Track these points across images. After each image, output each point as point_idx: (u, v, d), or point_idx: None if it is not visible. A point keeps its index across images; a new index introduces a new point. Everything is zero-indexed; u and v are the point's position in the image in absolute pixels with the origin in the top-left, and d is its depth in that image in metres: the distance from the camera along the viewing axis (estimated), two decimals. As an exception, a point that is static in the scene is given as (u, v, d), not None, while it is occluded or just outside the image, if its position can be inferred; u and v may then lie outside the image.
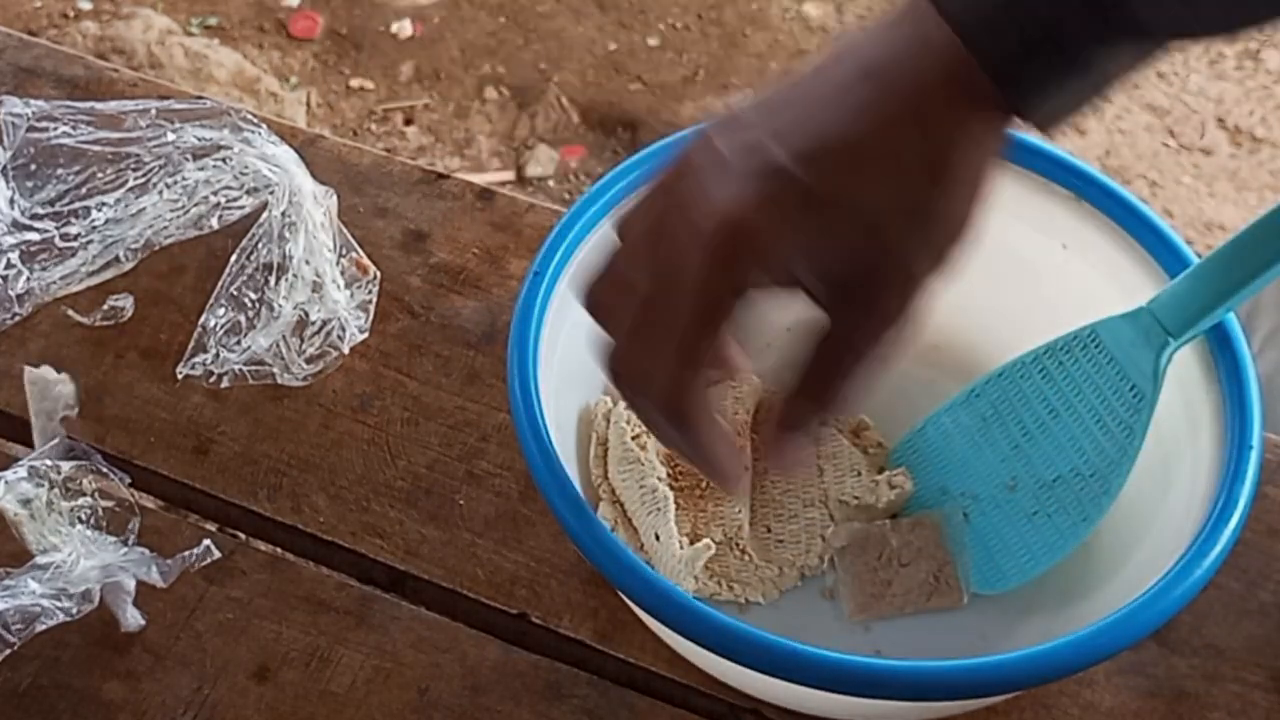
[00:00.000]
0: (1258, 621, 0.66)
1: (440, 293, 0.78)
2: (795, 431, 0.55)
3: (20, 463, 0.67)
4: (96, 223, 0.78)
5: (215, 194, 0.78)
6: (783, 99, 0.51)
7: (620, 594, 0.62)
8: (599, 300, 0.53)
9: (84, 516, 0.67)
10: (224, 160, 0.78)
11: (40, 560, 0.64)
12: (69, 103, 0.81)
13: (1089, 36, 0.48)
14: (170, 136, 0.79)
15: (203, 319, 0.75)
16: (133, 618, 0.65)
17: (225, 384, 0.74)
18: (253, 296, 0.75)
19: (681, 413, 0.52)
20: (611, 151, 2.04)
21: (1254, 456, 0.58)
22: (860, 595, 0.65)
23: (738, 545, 0.66)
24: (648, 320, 0.51)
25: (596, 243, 0.66)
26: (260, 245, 0.75)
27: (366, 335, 0.75)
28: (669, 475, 0.67)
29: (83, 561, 0.64)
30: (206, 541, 0.67)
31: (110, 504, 0.68)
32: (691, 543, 0.64)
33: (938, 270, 0.51)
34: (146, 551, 0.65)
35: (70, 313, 0.76)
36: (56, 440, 0.69)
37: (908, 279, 0.51)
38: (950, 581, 0.65)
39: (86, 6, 2.19)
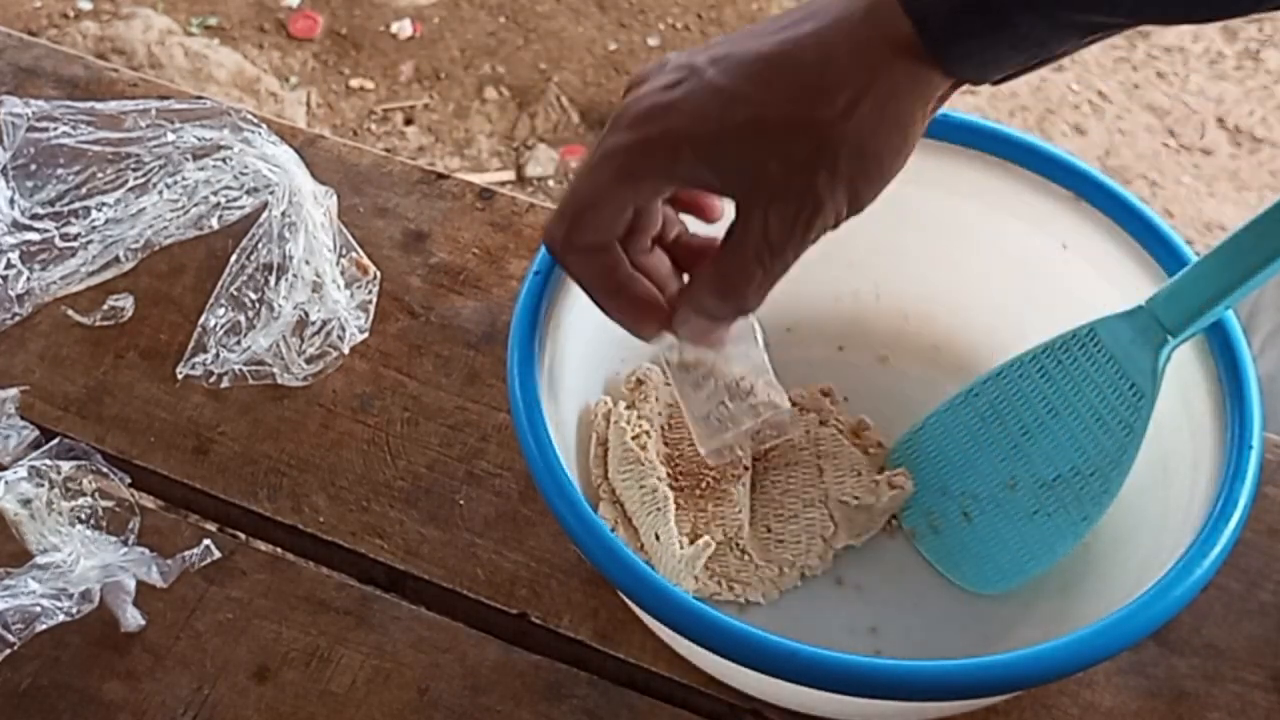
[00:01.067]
0: (1258, 621, 0.66)
1: (440, 293, 0.78)
2: (696, 311, 0.57)
3: (20, 463, 0.67)
4: (96, 223, 0.78)
5: (215, 194, 0.78)
6: (736, 32, 0.55)
7: (620, 594, 0.62)
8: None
9: (84, 516, 0.67)
10: (224, 160, 0.78)
11: (40, 560, 0.64)
12: (69, 103, 0.81)
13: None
14: (170, 136, 0.79)
15: (203, 319, 0.75)
16: (133, 618, 0.65)
17: (225, 384, 0.74)
18: (253, 296, 0.75)
19: (568, 265, 0.57)
20: (611, 151, 2.04)
21: (1254, 456, 0.58)
22: (703, 430, 0.65)
23: (738, 545, 0.66)
24: (573, 185, 0.55)
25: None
26: (260, 245, 0.75)
27: (366, 335, 0.75)
28: (669, 475, 0.67)
29: (83, 561, 0.64)
30: (206, 541, 0.67)
31: (110, 504, 0.68)
32: (691, 543, 0.64)
33: (842, 198, 0.53)
34: (146, 551, 0.65)
35: (70, 313, 0.76)
36: (57, 440, 0.69)
37: (808, 195, 0.53)
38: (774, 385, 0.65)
39: (86, 6, 2.19)
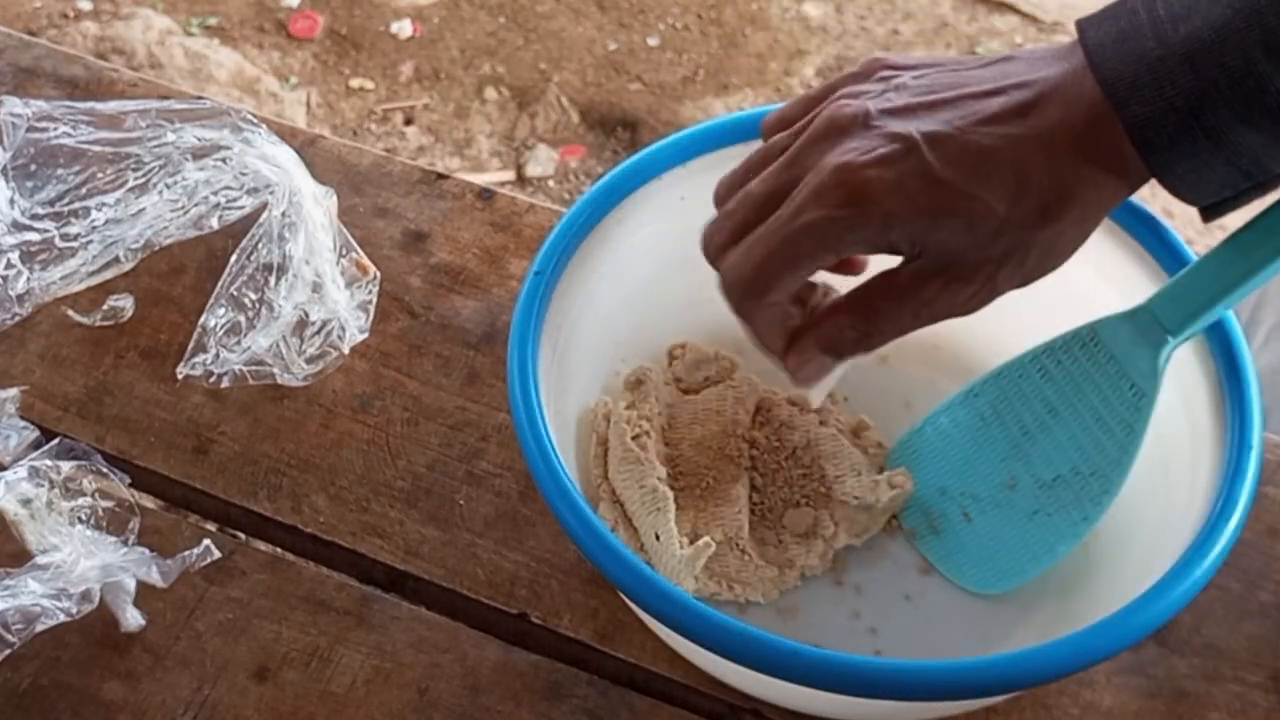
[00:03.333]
0: (1258, 621, 0.66)
1: (440, 293, 0.78)
2: (826, 348, 0.58)
3: (20, 463, 0.68)
4: (96, 223, 0.78)
5: (215, 194, 0.78)
6: (945, 79, 0.54)
7: (620, 594, 0.62)
8: (724, 184, 0.59)
9: (84, 516, 0.67)
10: (224, 160, 0.78)
11: (40, 560, 0.64)
12: (69, 103, 0.81)
13: (1229, 110, 0.49)
14: (170, 136, 0.79)
15: (203, 319, 0.75)
16: (133, 618, 0.65)
17: (225, 384, 0.74)
18: (253, 296, 0.75)
19: (747, 316, 0.57)
20: (611, 151, 2.04)
21: (1254, 456, 0.58)
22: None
23: (738, 545, 0.66)
24: (746, 220, 0.56)
25: (596, 243, 0.66)
26: (260, 245, 0.75)
27: (366, 335, 0.75)
28: (669, 475, 0.67)
29: (83, 561, 0.64)
30: (206, 541, 0.67)
31: (110, 504, 0.68)
32: (691, 543, 0.64)
33: (1015, 286, 0.55)
34: (146, 551, 0.65)
35: (70, 313, 0.76)
36: (57, 440, 0.69)
37: (986, 281, 0.55)
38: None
39: (86, 6, 2.19)
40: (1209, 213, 0.55)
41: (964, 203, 0.52)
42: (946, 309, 0.56)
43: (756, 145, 0.59)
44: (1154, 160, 0.51)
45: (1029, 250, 0.54)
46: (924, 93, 0.54)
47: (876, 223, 0.53)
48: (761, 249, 0.55)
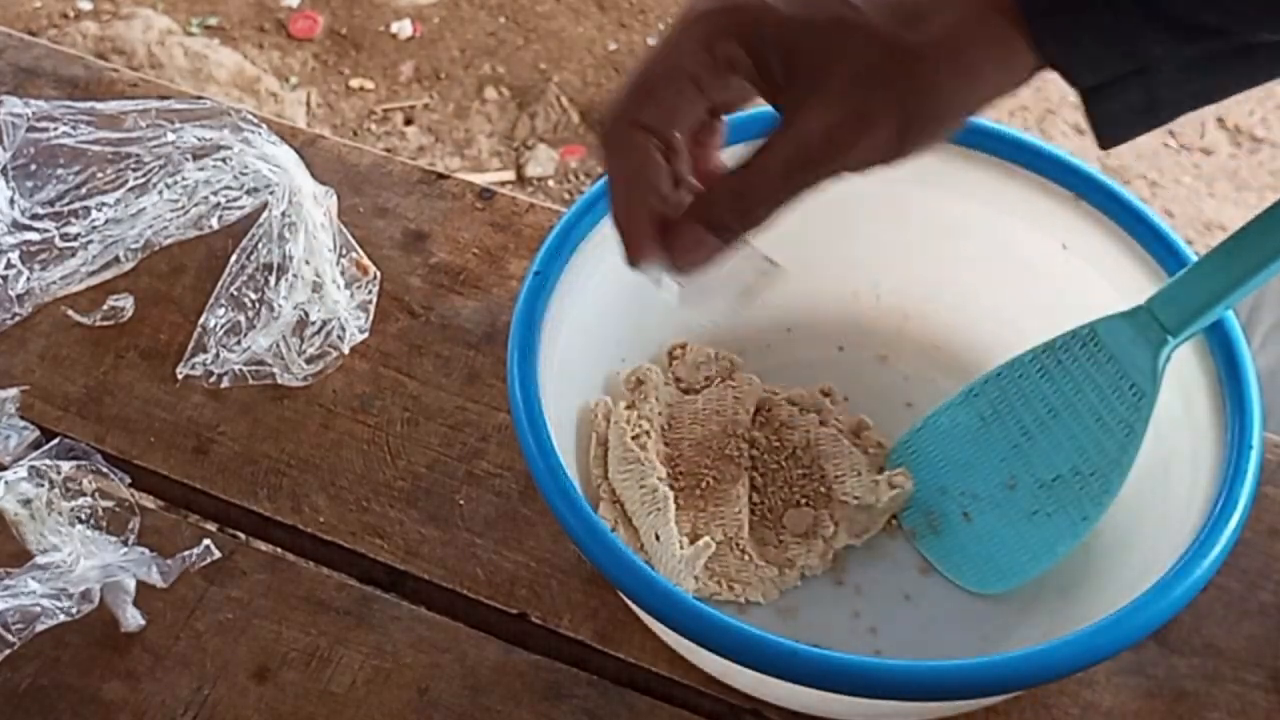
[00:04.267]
0: (1258, 621, 0.66)
1: (440, 293, 0.78)
2: (704, 227, 0.54)
3: (20, 463, 0.68)
4: (96, 223, 0.78)
5: (215, 194, 0.78)
6: None
7: (620, 594, 0.62)
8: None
9: (84, 516, 0.67)
10: (224, 160, 0.78)
11: (40, 560, 0.64)
12: (69, 103, 0.81)
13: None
14: (170, 136, 0.79)
15: (203, 319, 0.75)
16: (133, 618, 0.65)
17: (225, 384, 0.74)
18: (253, 296, 0.75)
19: (611, 147, 0.53)
20: (611, 151, 2.04)
21: (1254, 456, 0.58)
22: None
23: (738, 545, 0.66)
24: (646, 56, 0.53)
25: (596, 243, 0.66)
26: (260, 245, 0.75)
27: (366, 335, 0.75)
28: (669, 475, 0.67)
29: (83, 561, 0.64)
30: (206, 541, 0.67)
31: (110, 504, 0.68)
32: (691, 543, 0.64)
33: (889, 130, 0.51)
34: (146, 551, 0.65)
35: (70, 313, 0.76)
36: (57, 440, 0.69)
37: (860, 117, 0.51)
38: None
39: (86, 6, 2.19)
40: (1096, 115, 0.52)
41: (841, 7, 0.50)
42: (821, 149, 0.51)
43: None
44: (1043, 30, 0.50)
45: (906, 76, 0.50)
46: None
47: (751, 16, 0.51)
48: (641, 63, 0.53)
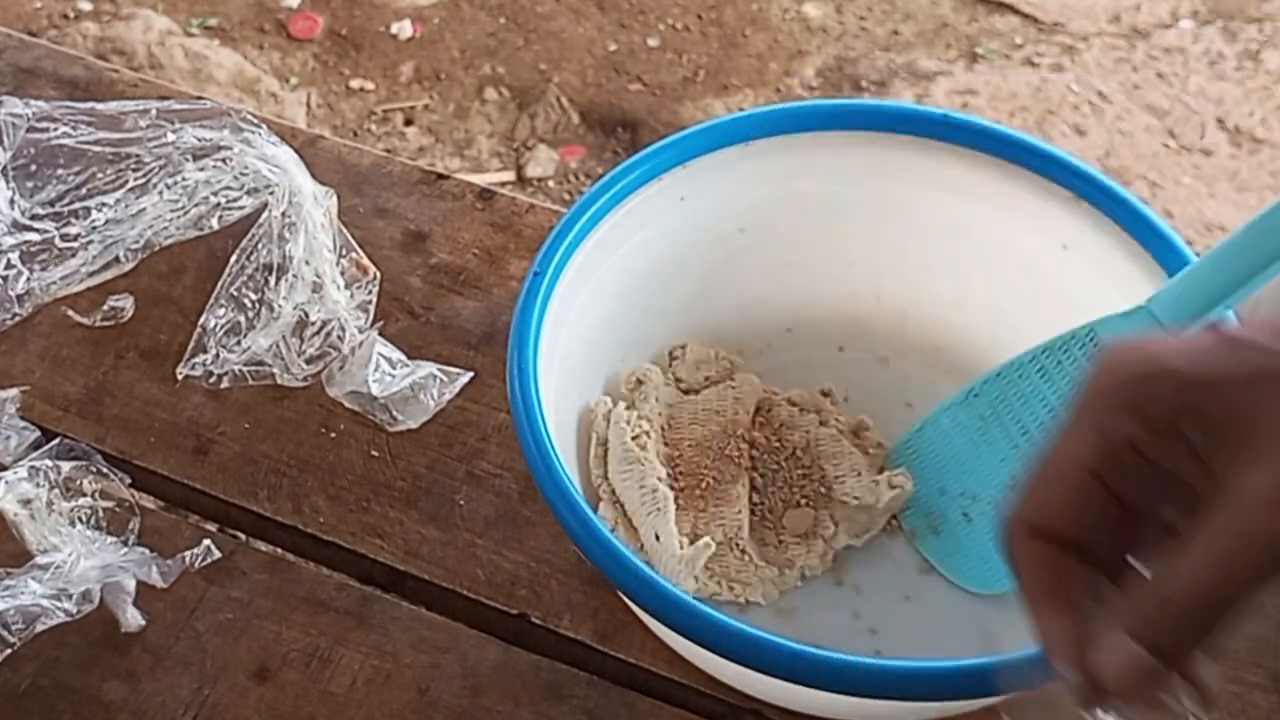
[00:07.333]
0: (1258, 622, 0.66)
1: (440, 293, 0.78)
2: (1135, 696, 0.43)
3: (20, 463, 0.68)
4: (96, 223, 0.78)
5: (215, 194, 0.78)
6: None
7: (620, 594, 0.62)
8: None
9: (84, 516, 0.67)
10: (224, 160, 0.78)
11: (40, 560, 0.64)
12: (69, 103, 0.81)
13: None
14: (170, 137, 0.79)
15: (203, 319, 0.75)
16: (133, 618, 0.65)
17: (225, 384, 0.74)
18: (253, 297, 0.75)
19: (1009, 554, 0.45)
20: (611, 152, 2.04)
21: (1254, 456, 0.58)
22: None
23: (738, 545, 0.66)
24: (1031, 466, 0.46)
25: (597, 243, 0.66)
26: (260, 245, 0.75)
27: (366, 335, 0.75)
28: (669, 475, 0.67)
29: (83, 561, 0.64)
30: (206, 541, 0.67)
31: (110, 504, 0.68)
32: (691, 543, 0.64)
33: None
34: (146, 551, 0.65)
35: (70, 313, 0.76)
36: (57, 440, 0.69)
37: None
38: None
39: (86, 7, 2.19)
40: None
41: (1262, 357, 0.42)
42: (1242, 562, 0.42)
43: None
44: None
45: None
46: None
47: (1144, 395, 0.43)
48: (1034, 461, 0.45)
